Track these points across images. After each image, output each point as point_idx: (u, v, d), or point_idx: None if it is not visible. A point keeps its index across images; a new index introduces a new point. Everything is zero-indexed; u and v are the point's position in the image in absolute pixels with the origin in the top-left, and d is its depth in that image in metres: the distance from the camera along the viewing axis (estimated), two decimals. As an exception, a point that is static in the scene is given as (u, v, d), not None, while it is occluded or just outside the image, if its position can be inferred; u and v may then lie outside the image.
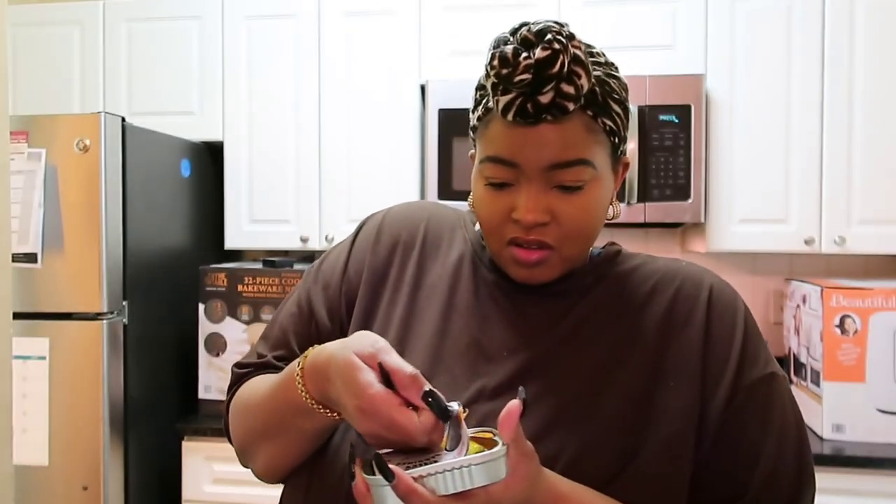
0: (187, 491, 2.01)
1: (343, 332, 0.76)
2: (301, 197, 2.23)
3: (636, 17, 2.09)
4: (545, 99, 0.62)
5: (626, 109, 0.69)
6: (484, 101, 0.69)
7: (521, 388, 0.54)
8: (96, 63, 2.32)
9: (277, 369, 0.73)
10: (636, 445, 0.65)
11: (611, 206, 0.73)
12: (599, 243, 0.79)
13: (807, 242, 2.00)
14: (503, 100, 0.64)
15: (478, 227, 0.81)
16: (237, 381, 0.79)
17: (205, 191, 2.33)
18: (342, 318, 0.77)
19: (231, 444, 0.80)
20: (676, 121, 1.98)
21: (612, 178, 0.71)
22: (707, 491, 0.67)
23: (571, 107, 0.63)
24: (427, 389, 0.55)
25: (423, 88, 2.16)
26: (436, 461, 0.53)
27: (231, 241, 2.28)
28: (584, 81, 0.63)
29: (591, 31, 2.08)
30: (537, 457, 0.57)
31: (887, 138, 1.97)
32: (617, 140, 0.69)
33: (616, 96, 0.67)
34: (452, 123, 2.06)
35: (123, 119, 1.89)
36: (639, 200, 1.98)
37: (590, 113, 0.65)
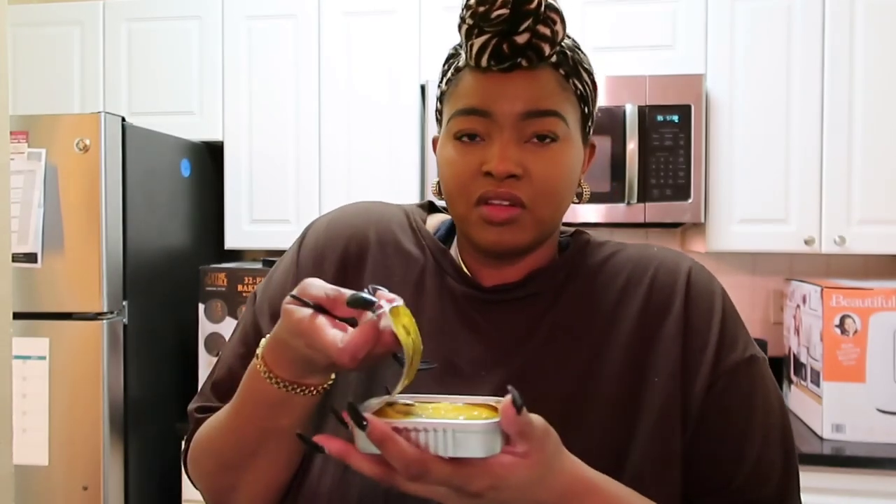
0: (187, 491, 2.01)
1: None
2: (301, 197, 2.23)
3: (636, 17, 2.09)
4: (521, 39, 0.61)
5: (594, 84, 0.69)
6: (453, 66, 0.68)
7: (510, 387, 0.49)
8: (96, 63, 2.32)
9: None
10: (628, 445, 0.64)
11: (580, 186, 0.71)
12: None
13: (807, 242, 2.00)
14: (478, 42, 0.62)
15: (432, 224, 0.77)
16: (196, 426, 0.73)
17: (205, 191, 2.34)
18: None
19: (203, 495, 0.72)
20: (676, 121, 1.98)
21: (582, 150, 0.69)
22: (695, 481, 0.66)
23: (547, 49, 0.62)
24: (350, 293, 0.53)
25: (423, 88, 2.16)
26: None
27: (231, 241, 2.28)
28: (559, 28, 0.62)
29: (591, 31, 2.08)
30: (556, 438, 0.53)
31: (887, 138, 1.97)
32: (587, 111, 0.68)
33: (586, 66, 0.68)
34: (452, 123, 2.06)
35: (123, 119, 1.89)
36: (639, 200, 1.98)
37: (562, 72, 0.65)
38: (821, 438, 1.77)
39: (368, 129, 2.20)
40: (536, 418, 0.51)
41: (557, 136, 0.64)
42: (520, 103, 0.63)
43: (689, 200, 1.98)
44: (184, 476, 2.01)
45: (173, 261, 2.15)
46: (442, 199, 0.71)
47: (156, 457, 2.02)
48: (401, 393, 0.54)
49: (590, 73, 0.68)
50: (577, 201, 0.71)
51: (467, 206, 0.65)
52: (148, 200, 2.01)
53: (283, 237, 2.24)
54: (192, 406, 0.75)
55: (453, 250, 0.74)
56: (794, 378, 2.00)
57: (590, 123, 0.70)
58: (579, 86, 0.66)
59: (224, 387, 0.72)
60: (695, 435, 0.65)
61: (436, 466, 0.48)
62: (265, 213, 2.25)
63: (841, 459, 1.69)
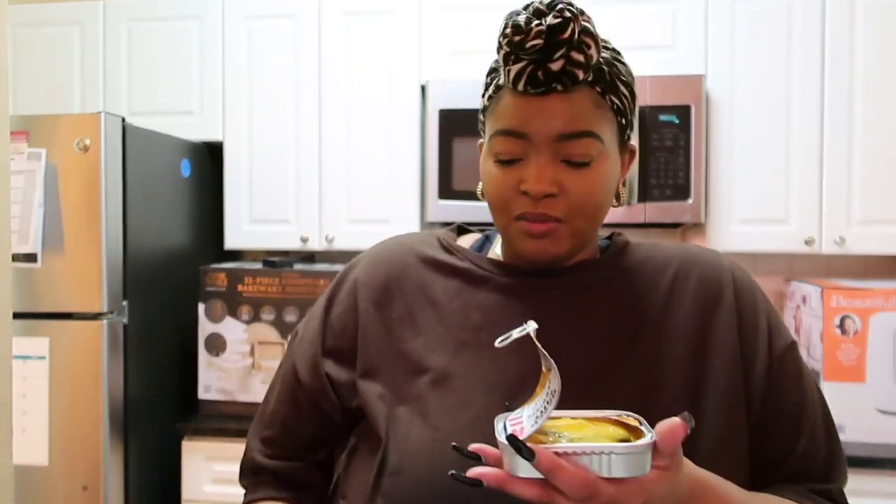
0: (187, 491, 2.01)
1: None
2: (301, 197, 2.23)
3: (636, 17, 2.09)
4: (556, 66, 0.64)
5: (633, 93, 0.71)
6: (494, 81, 0.71)
7: (686, 414, 0.52)
8: (96, 63, 2.32)
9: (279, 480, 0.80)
10: (696, 431, 0.65)
11: (618, 191, 0.74)
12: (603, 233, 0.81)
13: (807, 243, 2.00)
14: (514, 69, 0.66)
15: (464, 242, 0.81)
16: (256, 466, 0.82)
17: (205, 191, 2.34)
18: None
19: None
20: (676, 121, 1.98)
21: (619, 160, 0.72)
22: (760, 456, 0.71)
23: (581, 75, 0.65)
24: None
25: (423, 88, 2.16)
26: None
27: (231, 241, 2.28)
28: (593, 52, 0.65)
29: (591, 31, 2.08)
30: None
31: (887, 138, 1.97)
32: (624, 121, 0.71)
33: (623, 78, 0.70)
34: (452, 123, 2.06)
35: (123, 119, 1.89)
36: (639, 200, 1.98)
37: (598, 89, 0.67)
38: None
39: (368, 129, 2.20)
40: None
41: (592, 158, 0.67)
42: (555, 125, 0.66)
43: (689, 200, 1.98)
44: (183, 476, 2.01)
45: (173, 261, 2.15)
46: (485, 200, 0.76)
47: (156, 457, 2.02)
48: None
49: (628, 85, 0.70)
50: (616, 205, 0.75)
51: (508, 219, 0.70)
52: (148, 200, 2.01)
53: (283, 237, 2.24)
54: (258, 437, 0.83)
55: (491, 254, 0.79)
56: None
57: (629, 131, 0.73)
58: (616, 101, 0.69)
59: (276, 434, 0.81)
60: (758, 413, 0.70)
61: (603, 489, 0.50)
62: (265, 213, 2.25)
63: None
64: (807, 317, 1.89)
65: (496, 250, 0.79)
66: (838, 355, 1.74)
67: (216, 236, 2.35)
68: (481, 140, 0.76)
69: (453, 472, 0.54)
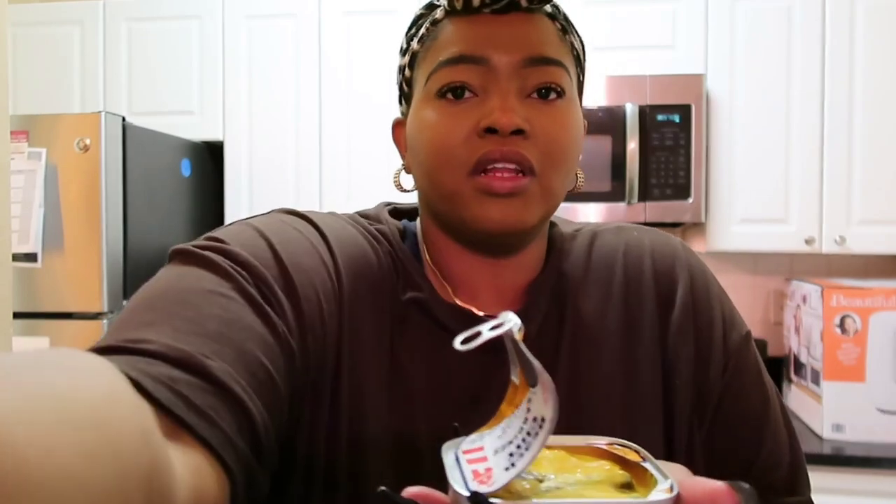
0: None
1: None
2: (301, 196, 2.23)
3: (636, 16, 2.09)
4: None
5: (584, 57, 0.61)
6: (423, 24, 0.57)
7: (746, 486, 0.35)
8: (96, 62, 2.32)
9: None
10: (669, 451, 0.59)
11: (577, 169, 0.60)
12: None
13: (807, 242, 2.00)
14: None
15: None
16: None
17: (205, 190, 2.34)
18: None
19: None
20: (677, 120, 1.98)
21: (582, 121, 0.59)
22: (717, 468, 0.59)
23: None
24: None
25: (423, 88, 2.16)
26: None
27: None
28: None
29: (590, 30, 2.08)
30: None
31: (887, 138, 1.97)
32: (581, 78, 0.60)
33: (578, 36, 0.59)
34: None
35: (124, 119, 1.89)
36: (639, 200, 1.98)
37: (558, 25, 0.56)
38: (820, 438, 1.77)
39: (368, 129, 2.20)
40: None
41: (564, 92, 0.54)
42: (521, 49, 0.53)
43: (690, 200, 1.98)
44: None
45: (173, 260, 2.15)
46: (406, 190, 0.61)
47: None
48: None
49: (581, 45, 0.60)
50: (573, 187, 0.61)
51: (458, 178, 0.52)
52: (148, 200, 2.01)
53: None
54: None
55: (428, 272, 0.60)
56: (794, 378, 2.00)
57: (581, 98, 0.61)
58: (576, 44, 0.58)
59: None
60: (714, 421, 0.59)
61: None
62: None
63: (841, 459, 1.69)
64: (807, 316, 1.89)
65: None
66: (838, 355, 1.74)
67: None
68: (397, 118, 0.62)
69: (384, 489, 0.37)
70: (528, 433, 0.36)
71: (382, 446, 0.51)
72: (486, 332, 0.36)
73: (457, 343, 0.36)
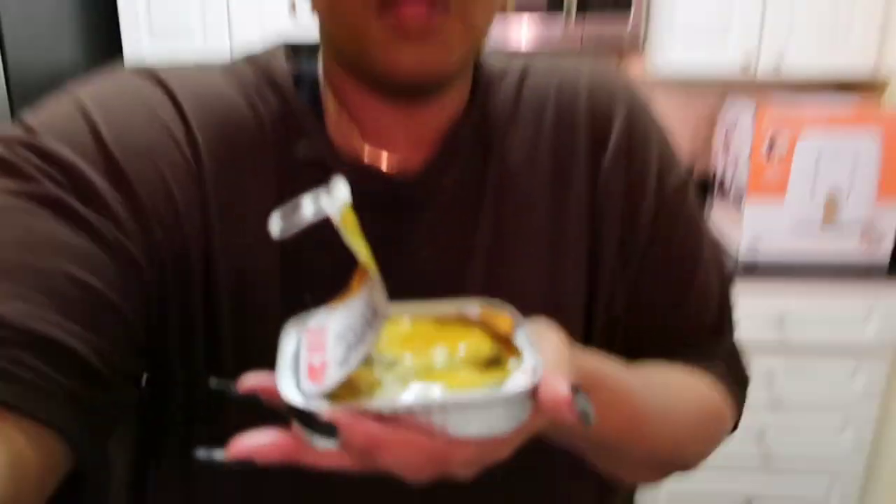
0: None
1: None
2: (206, 11, 1.99)
3: None
4: None
5: None
6: None
7: (581, 393, 0.34)
8: None
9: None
10: (594, 307, 0.57)
11: None
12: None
13: (743, 70, 1.94)
14: None
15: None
16: None
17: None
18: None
19: None
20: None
21: None
22: (649, 305, 0.58)
23: None
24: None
25: None
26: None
27: (132, 55, 2.05)
28: None
29: None
30: (565, 352, 0.38)
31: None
32: None
33: None
34: None
35: None
36: (577, 9, 1.84)
37: None
38: (737, 256, 1.85)
39: None
40: (550, 342, 0.37)
41: None
42: None
43: (630, 16, 1.87)
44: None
45: (65, 81, 1.92)
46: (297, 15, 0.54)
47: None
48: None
49: None
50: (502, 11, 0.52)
51: (362, 14, 0.43)
52: (24, 15, 1.74)
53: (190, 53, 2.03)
54: None
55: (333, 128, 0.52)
56: (716, 200, 2.05)
57: None
58: None
59: None
60: (640, 269, 0.57)
61: (458, 453, 0.33)
62: (165, 23, 2.01)
63: (757, 270, 1.79)
64: (737, 137, 1.90)
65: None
66: (764, 175, 1.77)
67: (112, 54, 2.10)
68: None
69: (215, 380, 0.37)
70: (367, 322, 0.32)
71: (272, 341, 0.39)
72: (307, 208, 0.32)
73: (273, 226, 0.32)
